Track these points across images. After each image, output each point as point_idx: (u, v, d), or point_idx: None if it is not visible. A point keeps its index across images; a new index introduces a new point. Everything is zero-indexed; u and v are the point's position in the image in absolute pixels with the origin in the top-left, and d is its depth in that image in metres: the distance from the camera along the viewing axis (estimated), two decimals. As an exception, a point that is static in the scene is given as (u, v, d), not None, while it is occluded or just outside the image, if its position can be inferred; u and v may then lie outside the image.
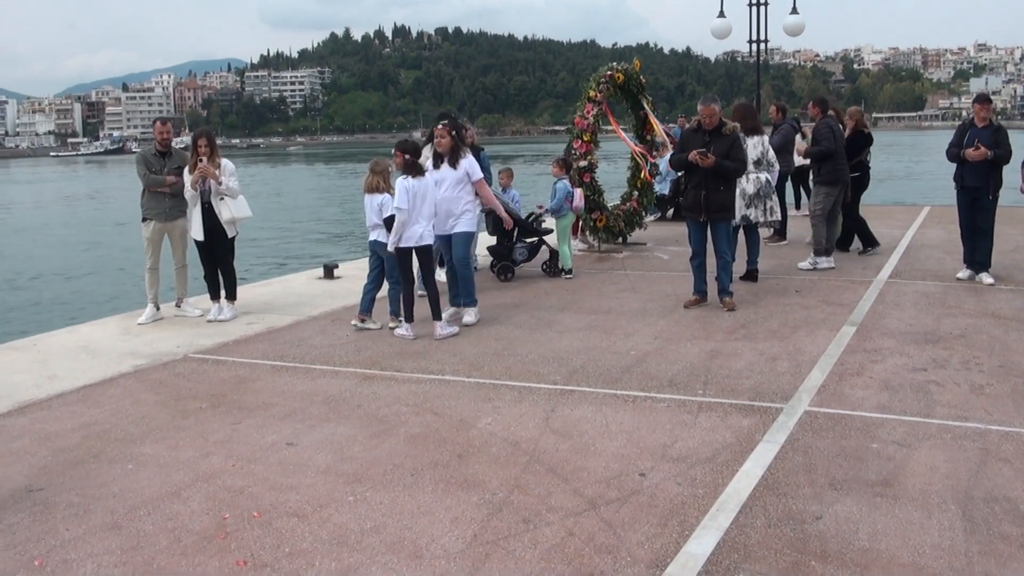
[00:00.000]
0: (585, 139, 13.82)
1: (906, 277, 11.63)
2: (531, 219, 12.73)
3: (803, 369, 7.52)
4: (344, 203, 49.74)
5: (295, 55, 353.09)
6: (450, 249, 9.87)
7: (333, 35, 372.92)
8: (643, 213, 15.58)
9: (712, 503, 4.90)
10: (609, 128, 14.98)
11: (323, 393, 7.26)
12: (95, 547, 4.64)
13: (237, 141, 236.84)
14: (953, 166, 11.25)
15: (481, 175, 10.01)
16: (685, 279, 10.73)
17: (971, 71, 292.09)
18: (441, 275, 10.23)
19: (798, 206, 18.81)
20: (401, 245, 9.19)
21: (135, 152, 11.59)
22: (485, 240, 12.20)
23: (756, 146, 11.57)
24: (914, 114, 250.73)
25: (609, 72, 14.45)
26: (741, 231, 11.61)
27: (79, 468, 5.79)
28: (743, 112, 11.98)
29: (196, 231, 10.21)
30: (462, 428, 6.30)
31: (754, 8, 22.81)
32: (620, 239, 15.01)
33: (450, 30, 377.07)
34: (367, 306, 9.64)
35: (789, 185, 16.68)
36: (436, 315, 9.28)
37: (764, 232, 13.49)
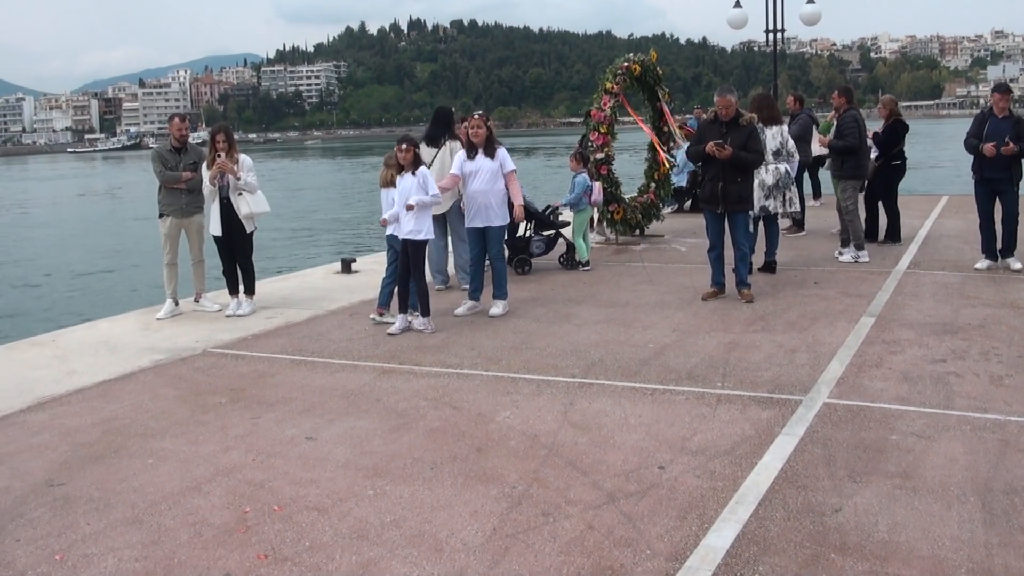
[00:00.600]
0: (602, 131, 13.80)
1: (924, 267, 11.58)
2: (547, 212, 12.72)
3: (822, 361, 7.50)
4: (362, 197, 49.78)
5: (311, 49, 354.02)
6: (482, 242, 9.87)
7: (349, 29, 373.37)
8: (660, 205, 15.55)
9: (731, 496, 4.89)
10: (626, 119, 14.93)
11: (342, 387, 7.28)
12: (116, 541, 4.66)
13: (254, 136, 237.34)
14: (971, 156, 11.18)
15: (514, 167, 10.04)
16: (703, 271, 10.72)
17: (988, 59, 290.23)
18: (451, 267, 10.20)
19: (816, 196, 18.77)
20: (398, 235, 9.23)
21: (152, 148, 11.60)
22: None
23: (775, 136, 11.53)
24: (931, 103, 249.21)
25: (626, 64, 14.43)
26: (760, 222, 11.58)
27: (99, 463, 5.82)
28: (761, 103, 11.95)
29: (214, 226, 10.24)
30: (481, 422, 6.31)
31: (770, -2, 22.72)
32: (638, 231, 14.98)
33: (465, 23, 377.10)
34: (385, 300, 9.65)
35: (807, 175, 16.62)
36: (425, 311, 9.25)
37: (783, 223, 13.45)
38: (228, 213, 10.15)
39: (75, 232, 37.30)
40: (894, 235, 13.66)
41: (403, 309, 9.33)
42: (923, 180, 36.86)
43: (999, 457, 5.32)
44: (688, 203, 18.79)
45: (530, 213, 12.26)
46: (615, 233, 14.62)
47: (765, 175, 11.30)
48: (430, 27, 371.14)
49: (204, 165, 10.18)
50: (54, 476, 5.62)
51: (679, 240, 14.81)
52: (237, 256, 10.38)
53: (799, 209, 12.82)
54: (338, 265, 13.42)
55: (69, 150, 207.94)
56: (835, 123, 12.95)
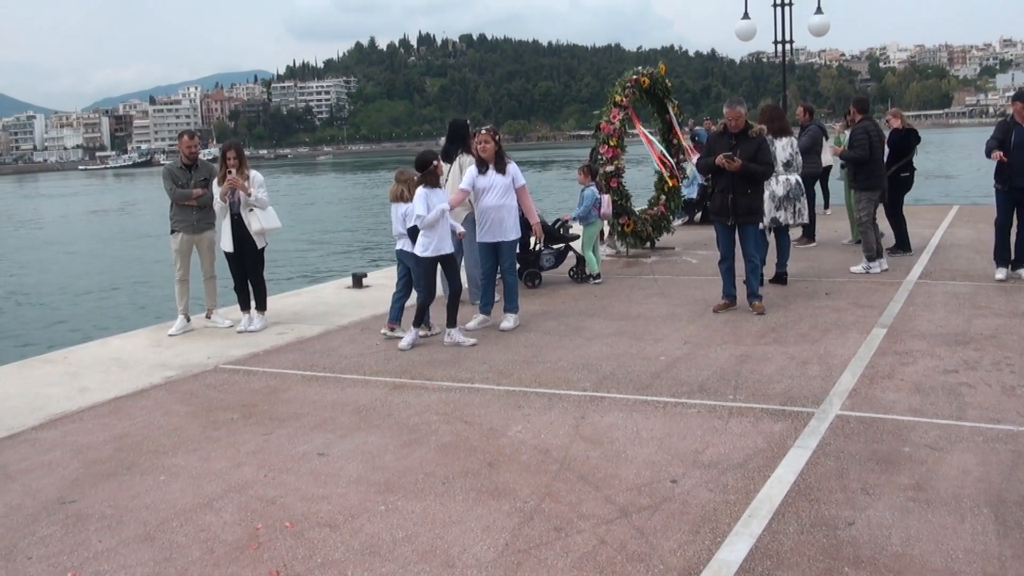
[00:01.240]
0: (612, 144, 13.81)
1: (936, 277, 11.55)
2: (557, 225, 12.73)
3: (834, 373, 7.48)
4: (374, 212, 49.87)
5: (321, 65, 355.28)
6: (494, 256, 9.88)
7: (358, 44, 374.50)
8: (671, 217, 15.55)
9: (744, 509, 4.88)
10: (635, 132, 14.95)
11: (354, 402, 7.28)
12: (128, 559, 4.66)
13: (265, 152, 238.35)
14: (990, 164, 11.12)
15: (524, 181, 10.05)
16: (714, 283, 10.70)
17: (997, 67, 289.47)
18: (463, 281, 10.20)
19: (827, 206, 18.77)
20: (428, 255, 9.23)
21: (163, 164, 11.66)
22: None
23: (785, 148, 11.53)
24: (941, 112, 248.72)
25: (635, 76, 14.47)
26: (771, 234, 11.56)
27: (111, 480, 5.83)
28: (771, 114, 11.95)
29: (226, 243, 10.26)
30: (492, 436, 6.30)
31: (779, 9, 22.72)
32: (648, 244, 14.98)
33: (475, 37, 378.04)
34: (396, 315, 9.67)
35: (817, 186, 16.60)
36: (451, 322, 9.34)
37: (794, 234, 13.43)
38: (239, 229, 10.18)
39: (86, 249, 37.42)
40: (903, 245, 13.62)
41: (418, 323, 9.33)
42: (933, 190, 36.80)
43: (1012, 468, 5.29)
44: (698, 215, 18.79)
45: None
46: (625, 246, 14.62)
47: (776, 186, 11.29)
48: (439, 42, 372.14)
49: (215, 181, 10.21)
50: (66, 493, 5.63)
51: (690, 252, 14.80)
52: (248, 272, 10.40)
53: (807, 220, 12.79)
54: (349, 280, 13.44)
55: (80, 167, 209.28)
56: (847, 134, 12.96)
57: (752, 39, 23.81)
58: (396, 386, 7.73)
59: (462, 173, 10.38)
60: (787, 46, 23.14)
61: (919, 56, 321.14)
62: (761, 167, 9.85)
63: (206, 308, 10.94)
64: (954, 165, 60.71)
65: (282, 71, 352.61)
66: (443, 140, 11.87)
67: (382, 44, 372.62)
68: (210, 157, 11.31)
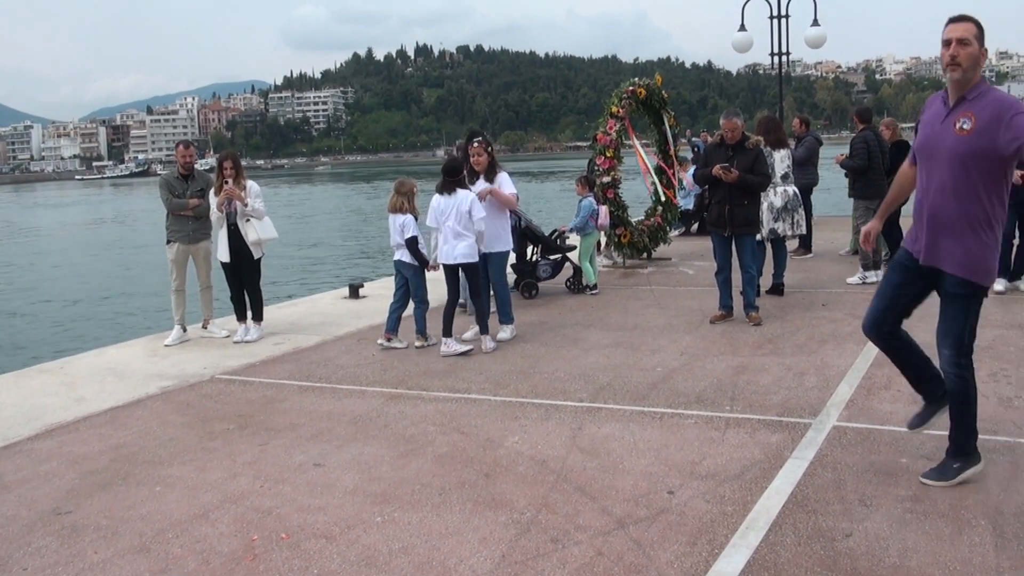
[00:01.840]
0: (608, 155, 13.83)
1: (933, 289, 11.51)
2: (554, 236, 12.73)
3: (831, 383, 7.47)
4: (372, 222, 49.87)
5: (318, 76, 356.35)
6: (485, 269, 9.88)
7: (356, 55, 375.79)
8: (667, 228, 15.57)
9: (741, 521, 4.87)
10: (631, 143, 14.97)
11: (350, 413, 7.27)
12: (123, 570, 4.65)
13: (262, 162, 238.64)
14: None
15: (513, 190, 10.05)
16: (711, 294, 10.70)
17: (993, 79, 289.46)
18: (464, 293, 10.18)
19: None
20: (442, 262, 9.40)
21: (160, 175, 11.66)
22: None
23: (783, 160, 11.55)
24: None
25: (631, 87, 14.48)
26: (769, 245, 11.56)
27: (107, 491, 5.81)
28: (767, 126, 11.97)
29: (222, 253, 10.26)
30: (489, 447, 6.29)
31: (775, 21, 22.76)
32: (645, 255, 14.99)
33: (472, 48, 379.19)
34: (393, 325, 9.66)
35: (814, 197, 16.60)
36: (483, 329, 9.41)
37: (791, 245, 13.43)
38: (236, 239, 10.18)
39: (83, 259, 37.37)
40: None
41: (447, 332, 9.34)
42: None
43: (1009, 480, 5.28)
44: (695, 226, 18.81)
45: (536, 237, 12.29)
46: (622, 256, 14.63)
47: (774, 198, 11.31)
48: (436, 53, 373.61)
49: (212, 192, 10.22)
50: (62, 504, 5.61)
51: (686, 263, 14.81)
52: (245, 282, 10.39)
53: (804, 231, 12.78)
54: (346, 290, 13.43)
55: (77, 177, 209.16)
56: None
57: (749, 51, 23.83)
58: (393, 396, 7.72)
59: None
60: (783, 58, 23.18)
61: (915, 68, 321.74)
62: (758, 178, 9.86)
63: (202, 318, 10.92)
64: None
65: (279, 81, 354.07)
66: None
67: (379, 55, 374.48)
68: (207, 167, 11.33)
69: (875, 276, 12.11)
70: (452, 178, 9.32)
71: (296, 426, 6.98)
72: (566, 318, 10.77)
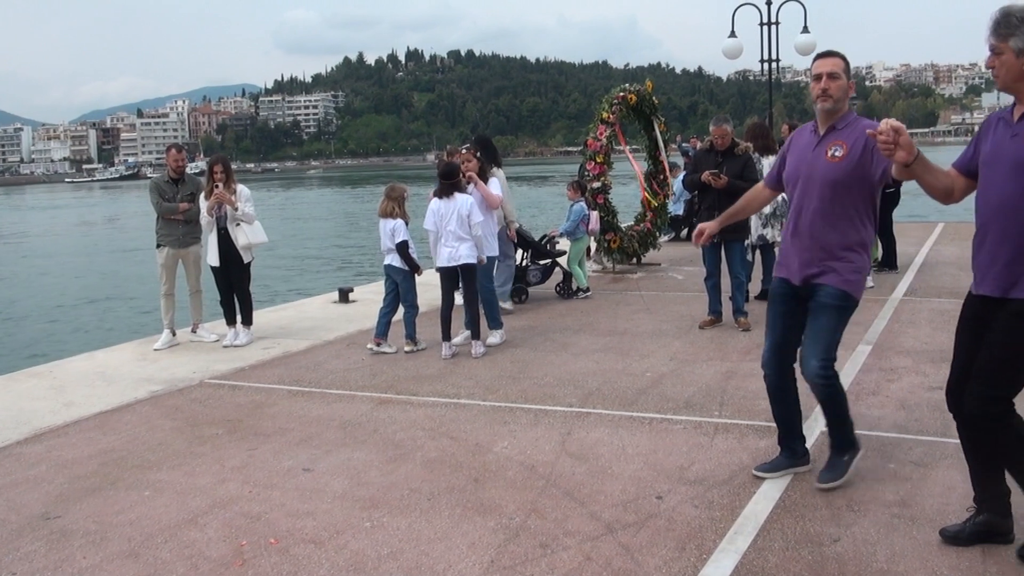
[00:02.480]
0: (598, 160, 13.84)
1: (921, 295, 11.59)
2: (544, 241, 12.75)
3: (819, 389, 7.48)
4: (362, 227, 49.83)
5: (309, 80, 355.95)
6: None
7: (347, 59, 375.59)
8: (657, 234, 15.59)
9: (730, 526, 4.88)
10: (622, 149, 14.99)
11: (339, 418, 7.26)
12: (112, 575, 4.64)
13: (252, 166, 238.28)
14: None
15: (499, 194, 10.10)
16: (700, 299, 10.72)
17: (983, 86, 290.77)
18: (457, 298, 10.18)
19: None
20: (442, 265, 9.41)
21: (150, 178, 11.64)
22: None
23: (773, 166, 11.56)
24: (926, 130, 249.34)
25: (622, 93, 14.50)
26: (757, 251, 11.59)
27: (96, 495, 5.80)
28: (756, 132, 11.99)
29: (212, 257, 10.25)
30: (478, 452, 6.30)
31: (765, 28, 22.84)
32: (634, 260, 15.01)
33: (463, 53, 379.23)
34: (383, 330, 9.65)
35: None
36: (474, 335, 9.42)
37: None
38: (226, 243, 10.16)
39: (72, 262, 37.25)
40: (890, 263, 13.67)
41: (445, 336, 9.38)
42: (918, 207, 36.80)
43: (997, 486, 5.30)
44: (685, 231, 18.83)
45: (526, 242, 12.29)
46: (612, 262, 14.64)
47: (762, 203, 11.32)
48: (428, 57, 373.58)
49: (202, 196, 10.20)
50: (50, 508, 5.60)
51: (676, 268, 14.83)
52: (235, 286, 10.38)
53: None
54: (335, 295, 13.42)
55: (67, 180, 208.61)
56: None
57: (739, 57, 23.90)
58: (382, 401, 7.72)
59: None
60: (773, 64, 23.26)
61: (905, 75, 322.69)
62: (747, 184, 9.87)
63: (192, 322, 10.91)
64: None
65: (270, 85, 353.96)
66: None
67: (370, 59, 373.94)
68: (197, 171, 11.33)
69: (871, 281, 12.15)
70: (449, 181, 9.35)
71: (285, 431, 6.98)
72: (556, 323, 10.78)
